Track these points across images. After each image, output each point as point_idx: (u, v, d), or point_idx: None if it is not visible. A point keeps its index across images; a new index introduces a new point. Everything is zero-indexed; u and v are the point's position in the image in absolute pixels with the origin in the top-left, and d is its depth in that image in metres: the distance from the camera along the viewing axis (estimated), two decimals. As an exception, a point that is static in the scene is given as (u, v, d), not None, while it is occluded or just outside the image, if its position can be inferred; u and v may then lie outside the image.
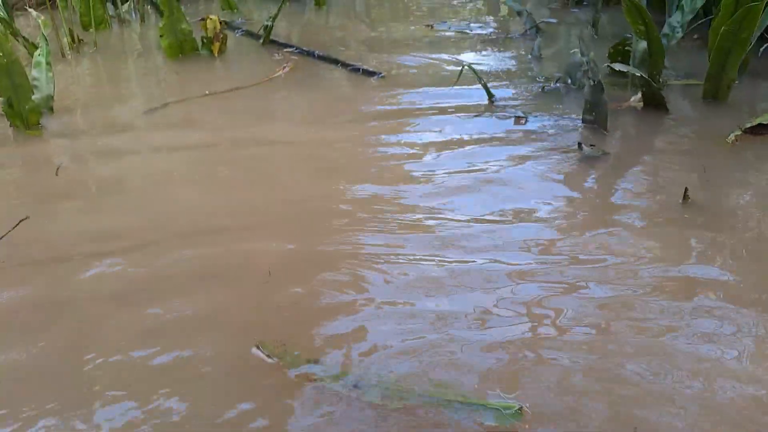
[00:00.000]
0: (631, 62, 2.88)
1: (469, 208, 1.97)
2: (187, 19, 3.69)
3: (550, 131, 2.54)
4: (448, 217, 1.92)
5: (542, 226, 1.85)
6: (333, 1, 5.33)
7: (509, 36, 4.01)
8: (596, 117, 2.49)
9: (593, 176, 2.17)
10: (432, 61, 3.57)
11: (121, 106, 3.04)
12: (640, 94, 2.74)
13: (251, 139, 2.62)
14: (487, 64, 3.47)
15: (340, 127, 2.72)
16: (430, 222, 1.89)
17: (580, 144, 2.30)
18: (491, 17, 4.66)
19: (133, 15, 4.97)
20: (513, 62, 3.51)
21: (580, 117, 2.58)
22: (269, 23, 3.90)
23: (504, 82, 3.16)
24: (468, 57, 3.61)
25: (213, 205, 2.07)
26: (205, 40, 3.69)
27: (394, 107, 2.89)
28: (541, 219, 1.89)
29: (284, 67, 3.45)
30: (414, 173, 2.21)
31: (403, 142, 2.50)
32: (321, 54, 3.68)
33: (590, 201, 2.03)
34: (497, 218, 1.90)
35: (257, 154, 2.48)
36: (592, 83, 2.44)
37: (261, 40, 3.95)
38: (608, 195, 2.07)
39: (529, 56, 3.56)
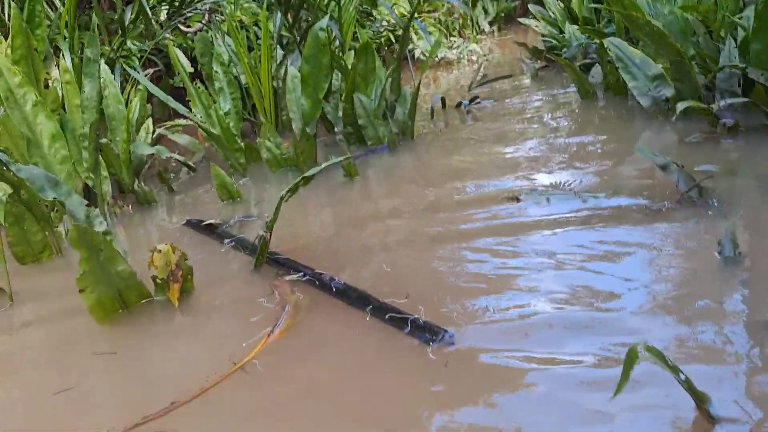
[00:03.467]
0: None
1: None
2: (151, 234, 2.34)
3: None
4: None
5: None
6: (372, 164, 3.96)
7: (654, 207, 2.42)
8: None
9: None
10: (538, 289, 2.00)
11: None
12: None
13: None
14: (637, 290, 1.87)
15: None
16: None
17: None
18: (599, 156, 3.11)
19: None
20: (688, 278, 1.90)
21: None
22: (265, 233, 2.48)
23: (698, 346, 1.54)
24: (595, 277, 2.03)
25: None
26: (159, 281, 2.28)
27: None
28: None
29: (273, 329, 1.96)
30: None
31: None
32: (341, 285, 2.19)
33: None
34: None
35: None
36: None
37: (254, 261, 2.52)
38: None
39: (718, 256, 1.95)
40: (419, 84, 4.36)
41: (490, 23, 10.83)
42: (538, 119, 4.32)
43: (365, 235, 2.75)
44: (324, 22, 3.76)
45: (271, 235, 2.53)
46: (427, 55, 8.10)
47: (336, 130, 4.64)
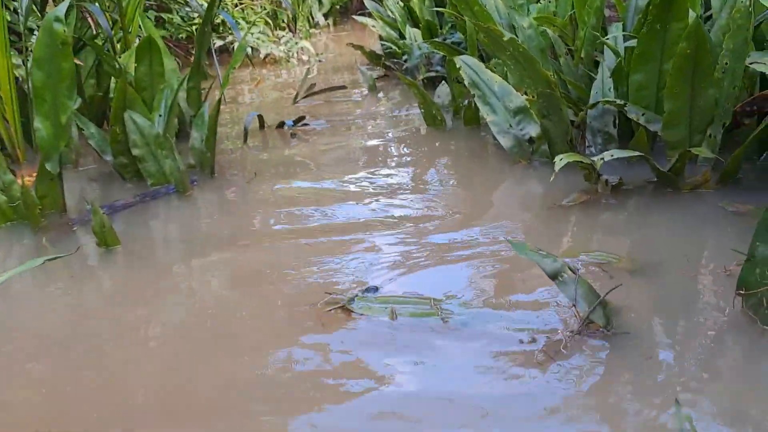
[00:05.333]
0: None
1: None
2: None
3: None
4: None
5: None
6: (151, 216, 2.82)
7: (541, 347, 1.58)
8: None
9: None
10: None
11: None
12: None
13: None
14: None
15: None
16: None
17: None
18: (456, 220, 2.24)
19: None
20: None
21: None
22: None
23: None
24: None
25: None
26: None
27: None
28: None
29: None
30: None
31: None
32: None
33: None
34: None
35: None
36: None
37: None
38: None
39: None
40: (220, 99, 3.26)
41: (325, 15, 9.89)
42: (375, 154, 3.42)
43: (105, 383, 1.64)
44: (62, 7, 2.52)
45: None
46: (255, 49, 6.97)
47: (106, 159, 3.39)
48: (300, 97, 4.71)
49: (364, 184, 2.91)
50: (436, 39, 4.80)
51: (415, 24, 5.40)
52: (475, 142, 3.37)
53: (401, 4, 5.73)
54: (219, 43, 6.87)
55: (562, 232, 2.22)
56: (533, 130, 2.87)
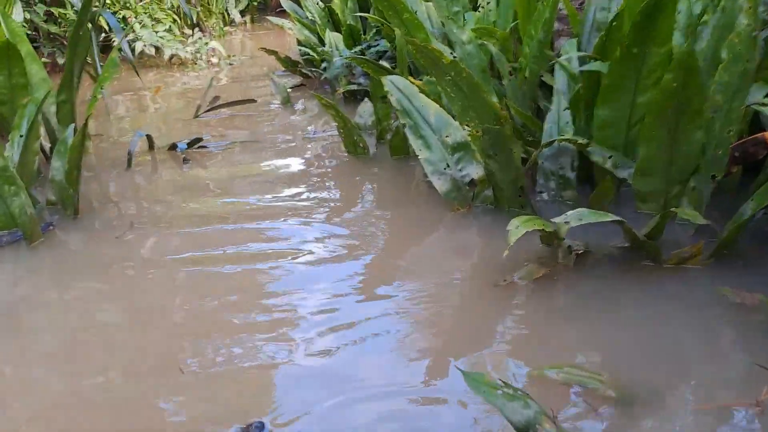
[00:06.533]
0: None
1: None
2: None
3: None
4: None
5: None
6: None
7: None
8: None
9: None
10: None
11: None
12: None
13: None
14: None
15: None
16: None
17: None
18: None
19: None
20: None
21: None
22: None
23: None
24: None
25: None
26: None
27: None
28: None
29: None
30: None
31: None
32: None
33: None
34: None
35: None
36: None
37: None
38: None
39: None
40: (86, 125, 2.55)
41: (242, 12, 9.11)
42: (282, 193, 2.78)
43: None
44: None
45: None
46: (159, 49, 6.15)
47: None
48: (202, 111, 4.02)
49: (258, 238, 2.30)
50: (360, 47, 4.22)
51: (337, 28, 4.80)
52: (402, 177, 2.81)
53: (321, 5, 5.11)
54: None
55: (515, 328, 1.68)
56: (475, 171, 2.34)
